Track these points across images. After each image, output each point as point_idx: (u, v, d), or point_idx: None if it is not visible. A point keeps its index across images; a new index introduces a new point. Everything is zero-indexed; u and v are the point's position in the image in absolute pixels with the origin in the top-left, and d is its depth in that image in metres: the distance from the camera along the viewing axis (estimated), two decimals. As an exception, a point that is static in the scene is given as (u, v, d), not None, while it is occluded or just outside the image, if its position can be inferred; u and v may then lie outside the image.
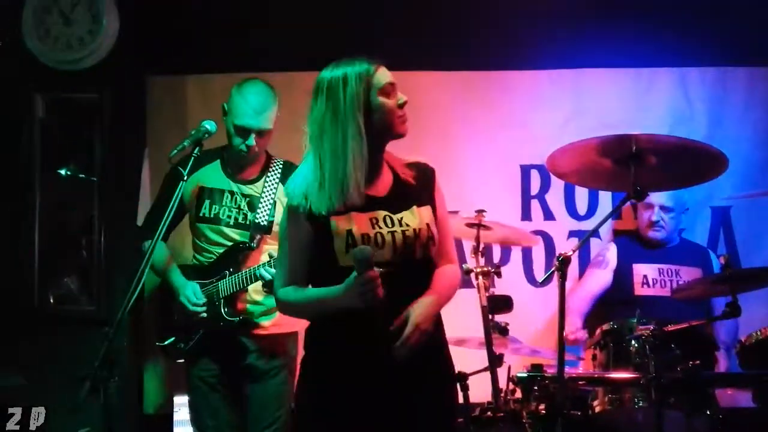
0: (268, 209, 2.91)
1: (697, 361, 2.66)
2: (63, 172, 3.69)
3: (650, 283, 3.42)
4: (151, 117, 3.71)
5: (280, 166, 2.97)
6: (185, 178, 2.70)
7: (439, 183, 2.17)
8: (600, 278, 3.50)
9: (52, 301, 3.59)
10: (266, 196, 2.92)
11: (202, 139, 2.76)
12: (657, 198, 3.43)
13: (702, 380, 2.70)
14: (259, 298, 2.92)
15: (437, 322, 2.11)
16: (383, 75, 2.06)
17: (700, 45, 3.75)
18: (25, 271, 3.56)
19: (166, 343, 2.97)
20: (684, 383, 2.65)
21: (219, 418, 2.92)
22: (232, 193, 2.94)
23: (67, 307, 3.60)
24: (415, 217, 2.07)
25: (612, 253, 3.52)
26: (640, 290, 3.42)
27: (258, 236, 2.89)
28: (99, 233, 3.60)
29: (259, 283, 2.86)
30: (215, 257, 2.93)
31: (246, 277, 2.84)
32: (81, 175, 3.68)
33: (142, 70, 3.71)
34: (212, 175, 2.95)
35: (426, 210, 2.09)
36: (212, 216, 2.92)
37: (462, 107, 3.76)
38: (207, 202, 2.93)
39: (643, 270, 3.45)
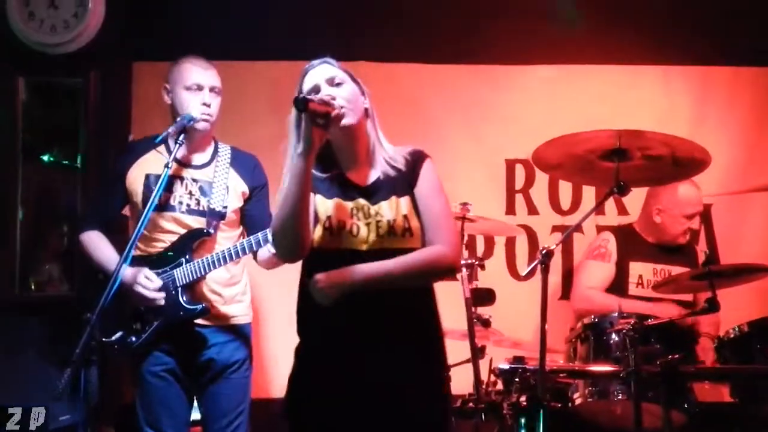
0: (222, 195, 2.82)
1: (677, 355, 2.70)
2: (46, 157, 3.65)
3: (645, 283, 3.38)
4: (136, 103, 3.69)
5: (229, 151, 2.91)
6: (170, 165, 2.69)
7: (429, 168, 2.13)
8: (606, 271, 3.42)
9: (33, 287, 3.56)
10: (218, 182, 2.83)
11: (186, 126, 2.76)
12: (696, 206, 3.40)
13: (680, 374, 2.73)
14: (217, 287, 2.82)
15: (429, 320, 2.11)
16: (308, 80, 2.11)
17: (684, 44, 3.79)
18: (6, 256, 3.52)
19: (113, 338, 2.73)
20: (662, 377, 2.68)
21: (176, 415, 2.78)
22: (182, 178, 2.81)
23: (48, 293, 3.56)
24: (391, 209, 2.08)
25: (612, 245, 3.45)
26: (634, 290, 3.38)
27: (214, 222, 2.80)
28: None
29: (218, 272, 2.77)
30: (167, 245, 2.79)
31: (207, 264, 2.74)
32: (64, 161, 3.64)
33: (128, 55, 3.69)
34: (158, 161, 2.79)
35: (405, 200, 2.09)
36: (163, 203, 2.75)
37: (448, 101, 3.77)
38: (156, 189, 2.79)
39: (639, 269, 3.41)
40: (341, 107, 2.03)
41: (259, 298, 3.08)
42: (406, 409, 2.03)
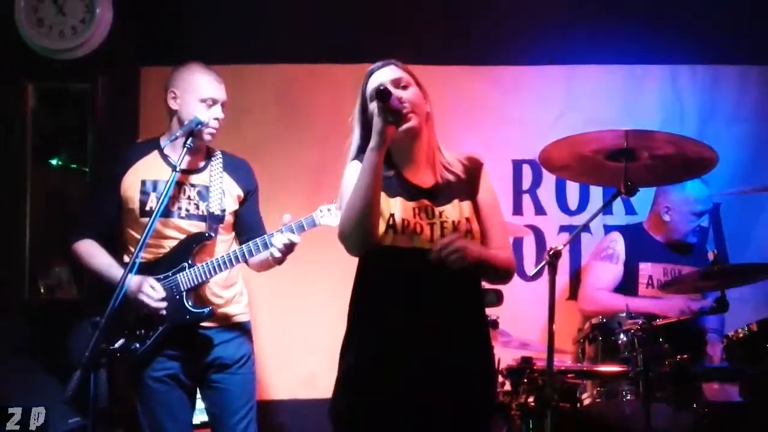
0: (220, 198, 2.82)
1: (685, 356, 2.69)
2: (54, 162, 3.68)
3: (655, 284, 3.36)
4: (144, 107, 3.70)
5: (220, 155, 2.91)
6: (177, 169, 2.69)
7: (488, 176, 2.21)
8: (614, 272, 3.41)
9: (42, 290, 3.58)
10: (215, 186, 2.83)
11: (194, 130, 2.76)
12: (705, 204, 3.41)
13: (689, 374, 2.73)
14: (217, 290, 2.83)
15: (484, 327, 2.19)
16: (373, 81, 2.16)
17: (692, 44, 3.77)
18: (16, 260, 3.54)
19: (116, 345, 2.67)
20: (671, 377, 2.68)
21: (179, 419, 2.78)
22: (180, 184, 2.78)
23: (57, 297, 3.58)
24: (455, 211, 2.13)
25: (621, 246, 3.44)
26: (644, 290, 3.37)
27: (214, 226, 2.80)
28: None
29: (220, 276, 2.78)
30: (167, 250, 2.78)
31: (212, 267, 2.74)
32: (72, 166, 3.67)
33: (135, 60, 3.71)
34: (153, 166, 2.80)
35: (467, 204, 2.15)
36: (164, 209, 2.69)
37: (454, 102, 3.76)
38: (153, 195, 2.76)
39: (649, 269, 3.40)
40: (409, 110, 2.10)
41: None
42: (466, 414, 2.07)
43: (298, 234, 2.73)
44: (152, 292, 2.70)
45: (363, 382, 2.09)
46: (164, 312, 2.72)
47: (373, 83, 2.15)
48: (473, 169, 2.20)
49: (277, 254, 2.70)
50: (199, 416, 2.99)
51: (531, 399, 2.78)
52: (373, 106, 2.10)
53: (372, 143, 2.03)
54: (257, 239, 2.78)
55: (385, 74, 2.16)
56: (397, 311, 2.06)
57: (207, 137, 2.81)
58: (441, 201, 2.14)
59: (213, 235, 2.80)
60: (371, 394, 2.07)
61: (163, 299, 2.71)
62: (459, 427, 2.07)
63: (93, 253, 2.81)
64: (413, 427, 2.05)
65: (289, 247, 2.69)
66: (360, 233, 2.04)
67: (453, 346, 2.07)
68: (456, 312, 2.09)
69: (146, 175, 2.80)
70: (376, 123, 2.03)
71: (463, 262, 2.01)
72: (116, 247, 2.85)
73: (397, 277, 2.08)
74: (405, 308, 2.05)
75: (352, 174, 2.12)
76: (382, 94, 2.02)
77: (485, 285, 2.99)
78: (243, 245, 2.80)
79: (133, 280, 2.67)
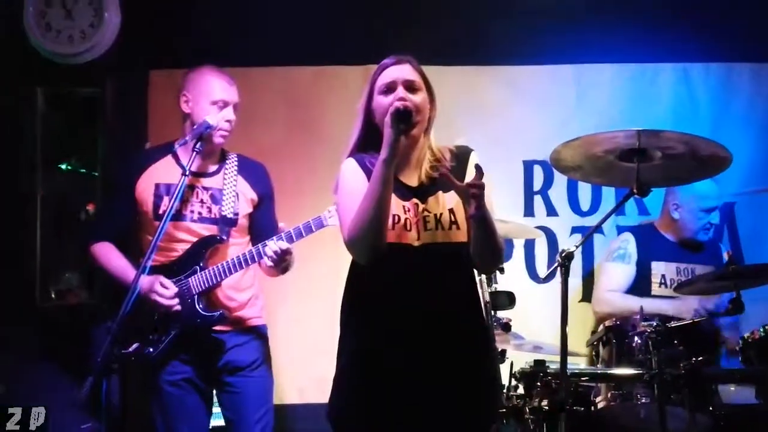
0: (233, 202, 2.82)
1: (700, 358, 2.66)
2: (64, 166, 3.69)
3: (668, 283, 3.35)
4: (153, 111, 3.70)
5: (236, 158, 2.90)
6: (187, 172, 2.69)
7: (476, 161, 2.18)
8: (626, 273, 3.39)
9: (53, 295, 3.59)
10: (228, 189, 2.83)
11: (203, 134, 2.76)
12: (714, 200, 3.39)
13: (704, 376, 2.70)
14: (231, 293, 2.82)
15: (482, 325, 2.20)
16: (385, 76, 2.15)
17: (705, 41, 3.74)
18: (26, 265, 3.55)
19: (130, 350, 2.64)
20: (686, 379, 2.65)
21: (195, 423, 2.78)
22: (193, 187, 2.79)
23: (68, 302, 3.59)
24: (437, 203, 2.14)
25: (632, 246, 3.43)
26: (657, 290, 3.35)
27: (226, 229, 2.80)
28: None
29: (231, 278, 2.77)
30: (179, 254, 2.78)
31: (222, 270, 2.74)
32: (82, 170, 3.67)
33: (144, 64, 3.71)
34: (167, 170, 2.80)
35: (450, 195, 2.14)
36: (176, 213, 2.70)
37: (464, 102, 3.74)
38: (166, 198, 2.76)
39: (661, 269, 3.38)
40: (417, 120, 2.10)
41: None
42: (463, 413, 2.06)
43: (306, 235, 2.72)
44: (163, 290, 2.71)
45: (356, 382, 2.08)
46: (177, 311, 2.71)
47: (385, 78, 2.14)
48: (461, 155, 2.20)
49: (269, 263, 2.69)
50: (213, 421, 2.98)
51: (545, 402, 2.76)
52: (380, 100, 2.11)
53: (384, 155, 2.02)
54: (252, 248, 2.77)
55: (397, 72, 2.14)
56: (388, 309, 2.06)
57: (219, 140, 2.81)
58: (426, 196, 2.15)
59: (225, 238, 2.79)
60: (365, 394, 2.07)
61: (175, 296, 2.71)
62: (456, 426, 2.05)
63: (109, 255, 2.82)
64: (408, 425, 2.04)
65: (279, 255, 2.67)
66: (372, 242, 2.05)
67: (446, 342, 2.06)
68: (448, 307, 2.08)
69: (160, 178, 2.80)
70: (389, 134, 2.03)
71: (480, 201, 1.98)
72: (132, 250, 2.86)
73: (387, 274, 2.08)
74: (395, 305, 2.06)
75: (351, 175, 2.13)
76: (406, 117, 2.03)
77: (498, 288, 3.01)
78: (252, 248, 2.79)
79: (145, 280, 2.67)
